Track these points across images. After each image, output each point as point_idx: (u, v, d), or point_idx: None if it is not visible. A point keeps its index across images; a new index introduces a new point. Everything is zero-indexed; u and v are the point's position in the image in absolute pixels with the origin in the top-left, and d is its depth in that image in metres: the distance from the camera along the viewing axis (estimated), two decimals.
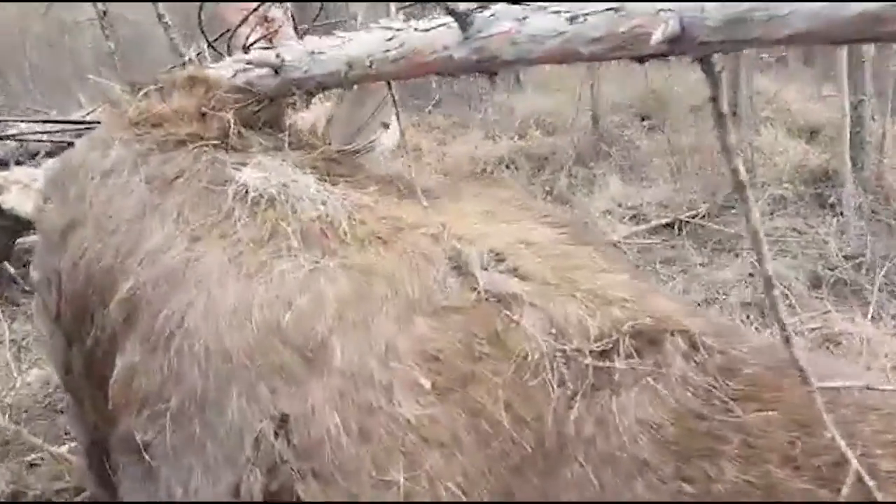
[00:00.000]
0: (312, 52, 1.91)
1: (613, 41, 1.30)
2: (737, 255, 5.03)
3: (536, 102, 9.29)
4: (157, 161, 1.96)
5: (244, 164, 1.95)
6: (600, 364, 1.56)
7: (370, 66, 1.76)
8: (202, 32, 2.83)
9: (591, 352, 1.56)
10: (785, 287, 4.33)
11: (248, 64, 2.02)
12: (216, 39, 2.97)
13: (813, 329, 3.99)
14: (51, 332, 2.08)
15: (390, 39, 1.70)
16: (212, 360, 1.67)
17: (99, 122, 2.78)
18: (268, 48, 2.75)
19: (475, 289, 1.67)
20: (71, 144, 2.61)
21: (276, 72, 2.00)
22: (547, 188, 6.69)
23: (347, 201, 1.91)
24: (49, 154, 2.71)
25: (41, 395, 4.01)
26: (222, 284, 1.75)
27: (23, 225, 2.48)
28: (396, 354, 1.60)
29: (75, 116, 3.09)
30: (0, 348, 4.54)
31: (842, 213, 5.30)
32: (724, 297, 4.33)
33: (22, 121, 2.81)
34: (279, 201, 1.86)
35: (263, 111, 2.11)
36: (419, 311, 1.66)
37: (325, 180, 1.98)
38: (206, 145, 1.98)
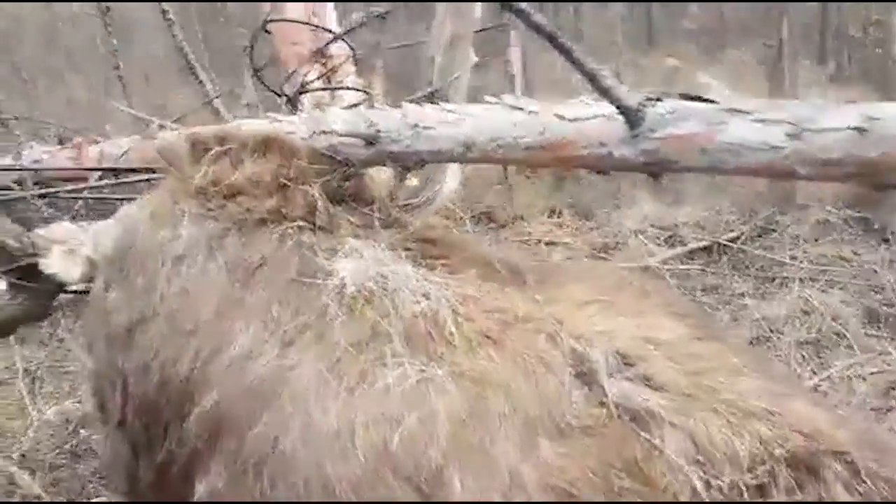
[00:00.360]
0: (416, 126, 1.67)
1: (852, 167, 1.07)
2: (783, 285, 4.82)
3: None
4: (235, 244, 1.72)
5: (335, 250, 1.71)
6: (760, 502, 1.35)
7: (495, 151, 1.52)
8: (251, 62, 2.58)
9: (746, 486, 1.35)
10: (840, 325, 4.13)
11: (341, 136, 1.77)
12: (261, 69, 2.72)
13: (873, 373, 3.79)
14: (109, 434, 1.83)
15: (524, 123, 1.47)
16: (313, 494, 1.45)
17: (142, 169, 2.54)
18: (326, 88, 2.52)
19: (603, 403, 1.44)
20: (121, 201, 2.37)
21: (371, 142, 1.76)
22: (570, 201, 6.45)
23: (450, 292, 1.67)
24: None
25: (61, 436, 3.75)
26: (321, 401, 1.52)
27: (63, 288, 2.23)
28: (523, 488, 1.38)
29: (115, 157, 2.82)
30: (10, 377, 4.29)
31: (889, 240, 5.10)
32: (777, 335, 4.11)
33: (57, 169, 2.52)
34: (378, 296, 1.63)
35: (350, 182, 1.87)
36: (543, 432, 1.43)
37: (422, 265, 1.75)
38: (291, 226, 1.74)
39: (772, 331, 4.14)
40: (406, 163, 1.74)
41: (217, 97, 2.94)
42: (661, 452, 1.37)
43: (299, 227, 1.74)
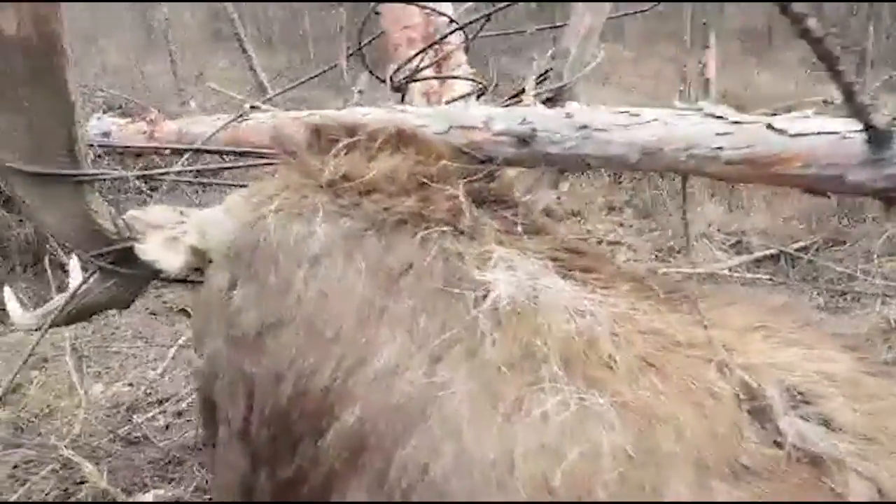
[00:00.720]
0: (584, 127, 1.51)
1: None
2: (854, 300, 4.62)
3: (618, 102, 8.67)
4: (375, 247, 1.58)
5: (484, 259, 1.57)
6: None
7: (686, 162, 1.36)
8: (359, 43, 2.42)
9: None
10: None
11: (488, 133, 1.62)
12: (366, 44, 2.56)
13: None
14: (224, 442, 1.69)
15: (726, 134, 1.31)
16: None
17: (238, 153, 2.39)
18: (439, 77, 2.37)
19: (778, 443, 1.30)
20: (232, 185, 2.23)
21: (525, 141, 1.60)
22: (627, 199, 6.26)
23: (604, 309, 1.52)
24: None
25: (112, 421, 3.62)
26: (475, 425, 1.38)
27: (158, 275, 2.09)
28: None
29: (195, 136, 2.68)
30: (57, 353, 4.17)
31: None
32: None
33: (162, 148, 2.37)
34: (529, 310, 1.48)
35: (492, 183, 1.72)
36: (716, 474, 1.29)
37: (570, 277, 1.61)
38: (433, 230, 1.59)
39: None
40: (565, 166, 1.59)
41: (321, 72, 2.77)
42: (846, 502, 1.19)
43: (442, 232, 1.60)
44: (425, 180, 1.67)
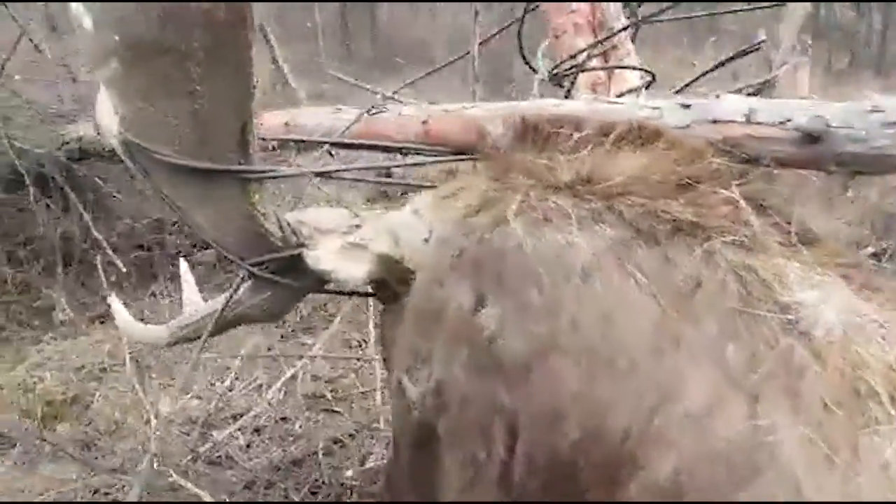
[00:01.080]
0: None
1: None
2: None
3: None
4: (650, 259, 1.35)
5: (778, 274, 1.35)
6: None
7: None
8: (519, 34, 2.20)
9: None
10: None
11: (756, 128, 1.39)
12: (519, 19, 2.32)
13: None
14: (466, 486, 1.44)
15: None
16: None
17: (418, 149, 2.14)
18: (606, 68, 2.15)
19: None
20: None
21: (814, 137, 1.38)
22: None
23: None
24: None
25: (191, 439, 3.34)
26: (814, 478, 1.17)
27: (323, 286, 1.86)
28: None
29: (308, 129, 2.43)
30: (114, 363, 3.89)
31: None
32: None
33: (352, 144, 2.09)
34: (844, 340, 1.27)
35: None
36: None
37: (863, 298, 1.39)
38: (715, 240, 1.36)
39: None
40: (863, 168, 1.37)
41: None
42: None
43: (723, 242, 1.37)
44: (690, 181, 1.44)
